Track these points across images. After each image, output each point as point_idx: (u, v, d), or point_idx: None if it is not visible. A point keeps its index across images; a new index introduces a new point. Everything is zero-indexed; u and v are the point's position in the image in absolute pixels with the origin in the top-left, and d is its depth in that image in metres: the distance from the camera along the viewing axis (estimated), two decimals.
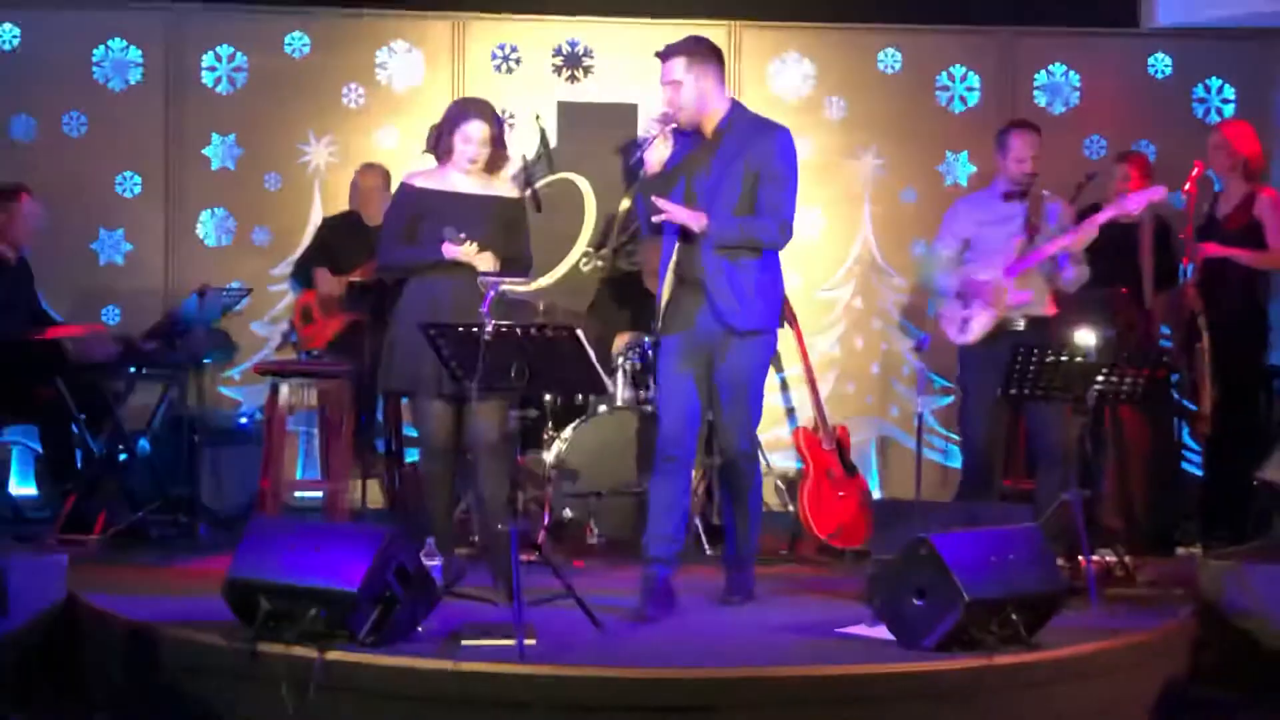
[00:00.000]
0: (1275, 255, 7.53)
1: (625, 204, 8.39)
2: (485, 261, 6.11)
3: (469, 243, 6.05)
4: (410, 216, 6.19)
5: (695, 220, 5.84)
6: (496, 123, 6.23)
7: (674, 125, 5.97)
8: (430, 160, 6.30)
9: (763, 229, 5.91)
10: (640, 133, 6.15)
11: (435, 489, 6.22)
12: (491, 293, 5.53)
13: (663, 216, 5.85)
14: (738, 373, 5.94)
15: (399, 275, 6.31)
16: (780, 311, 6.17)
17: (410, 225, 6.18)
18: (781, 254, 6.08)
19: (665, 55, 5.96)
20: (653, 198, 5.88)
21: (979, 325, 6.83)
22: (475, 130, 6.16)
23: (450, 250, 6.04)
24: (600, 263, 7.54)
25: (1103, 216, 6.68)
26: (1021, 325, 6.78)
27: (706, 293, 5.90)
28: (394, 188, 7.94)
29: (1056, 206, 6.92)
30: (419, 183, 6.23)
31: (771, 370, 8.21)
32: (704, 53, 5.97)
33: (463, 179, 6.20)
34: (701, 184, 5.93)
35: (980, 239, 6.93)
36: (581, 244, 8.61)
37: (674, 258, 6.01)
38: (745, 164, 5.90)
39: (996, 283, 6.78)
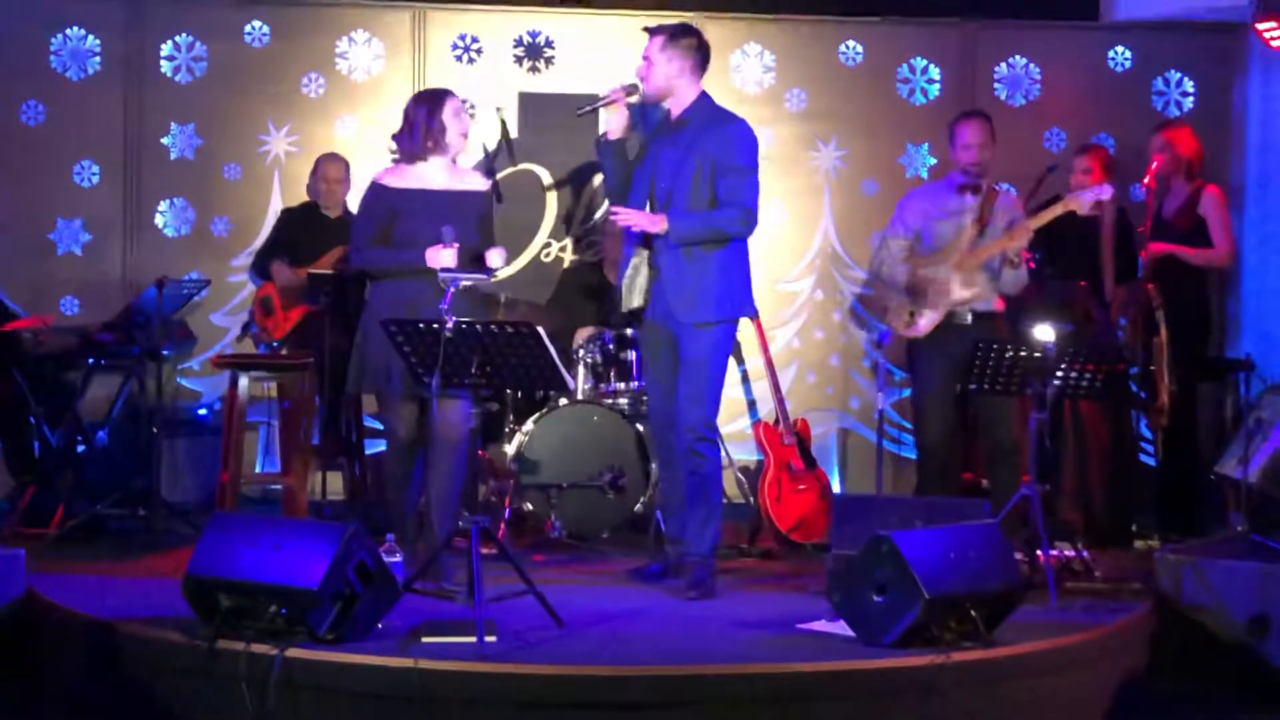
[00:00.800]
0: (1218, 253, 7.64)
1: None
2: (497, 258, 6.18)
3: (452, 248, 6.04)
4: (385, 216, 6.14)
5: (655, 224, 6.00)
6: None
7: (634, 96, 6.23)
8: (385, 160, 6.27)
9: (725, 220, 6.07)
10: (603, 93, 6.28)
11: (400, 484, 6.20)
12: (452, 289, 5.52)
13: (623, 221, 5.99)
14: (691, 363, 6.09)
15: (372, 275, 6.27)
16: (746, 299, 6.23)
17: (383, 225, 6.14)
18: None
19: (651, 32, 6.24)
20: (610, 207, 6.04)
21: (926, 320, 6.87)
22: (458, 106, 6.21)
23: (438, 258, 6.00)
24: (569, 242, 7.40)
25: (1041, 220, 6.74)
26: (969, 320, 6.83)
27: (661, 285, 6.10)
28: (354, 178, 8.03)
29: (1009, 201, 6.96)
30: (390, 181, 6.18)
31: (732, 362, 8.25)
32: (684, 40, 6.20)
33: (436, 174, 6.17)
34: (664, 169, 6.14)
35: (930, 231, 6.98)
36: (542, 235, 8.61)
37: (636, 250, 6.16)
38: (703, 155, 6.09)
39: (942, 277, 6.82)
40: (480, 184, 6.38)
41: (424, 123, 6.14)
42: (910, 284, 6.95)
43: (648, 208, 6.17)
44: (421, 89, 6.38)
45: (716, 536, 6.24)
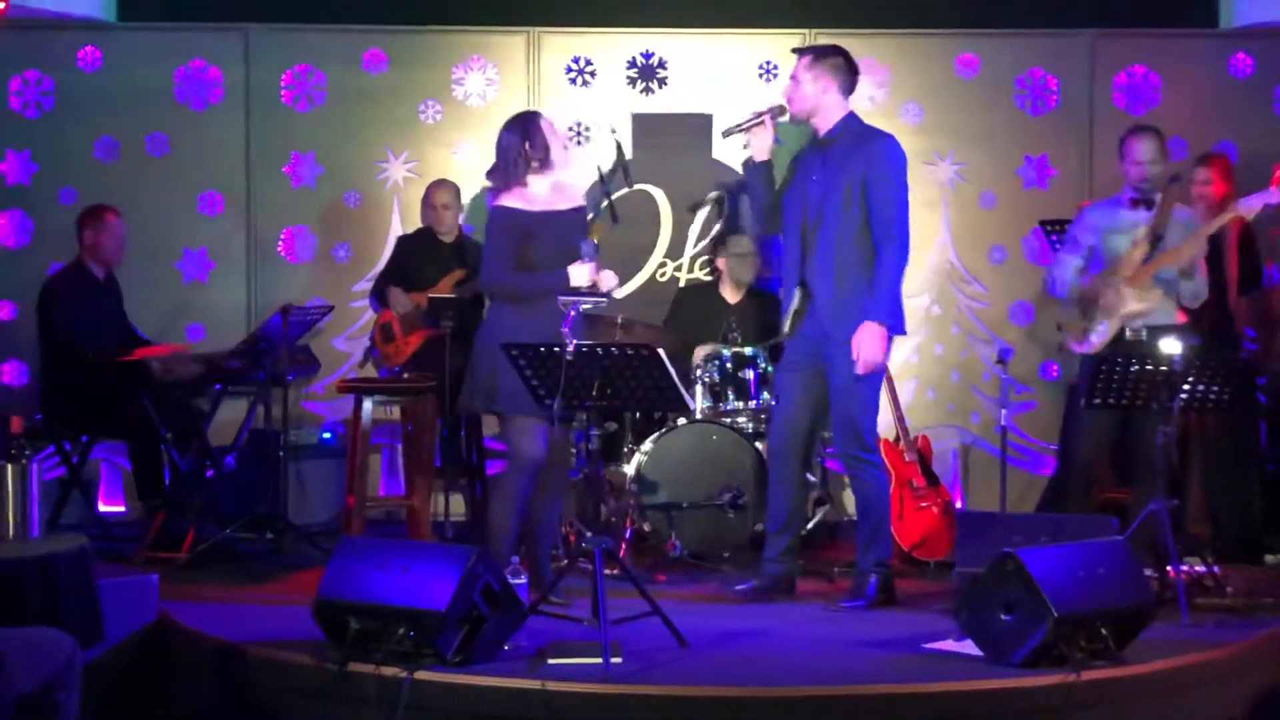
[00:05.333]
0: None
1: (703, 212, 8.45)
2: (609, 280, 6.21)
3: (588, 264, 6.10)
4: (519, 239, 6.12)
5: (877, 345, 6.11)
6: None
7: (781, 117, 6.34)
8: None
9: (894, 268, 6.19)
10: (748, 115, 6.37)
11: (522, 504, 6.21)
12: (572, 312, 5.55)
13: (867, 366, 6.13)
14: (839, 376, 6.19)
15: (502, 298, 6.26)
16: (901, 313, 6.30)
17: (517, 248, 6.12)
18: None
19: (798, 52, 6.39)
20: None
21: (1098, 336, 6.76)
22: (550, 123, 6.26)
23: (582, 275, 6.06)
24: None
25: (1210, 229, 6.62)
26: (1145, 335, 6.71)
27: (814, 300, 6.24)
28: (464, 202, 8.11)
29: (1184, 214, 6.82)
30: (516, 204, 6.16)
31: None
32: (830, 60, 6.31)
33: (548, 193, 6.20)
34: (814, 190, 6.24)
35: (1102, 247, 6.86)
36: (658, 255, 8.63)
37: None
38: (852, 174, 6.16)
39: (1115, 291, 6.71)
40: (580, 198, 6.45)
41: (521, 146, 6.15)
42: (1083, 300, 6.86)
43: (800, 230, 6.25)
44: (511, 116, 6.38)
45: (881, 552, 6.33)
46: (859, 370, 6.11)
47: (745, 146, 6.56)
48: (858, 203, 6.14)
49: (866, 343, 6.09)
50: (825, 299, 6.20)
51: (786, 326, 6.37)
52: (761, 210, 6.51)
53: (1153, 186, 6.80)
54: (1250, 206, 6.58)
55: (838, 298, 6.17)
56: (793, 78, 6.30)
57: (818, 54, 6.31)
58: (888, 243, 6.13)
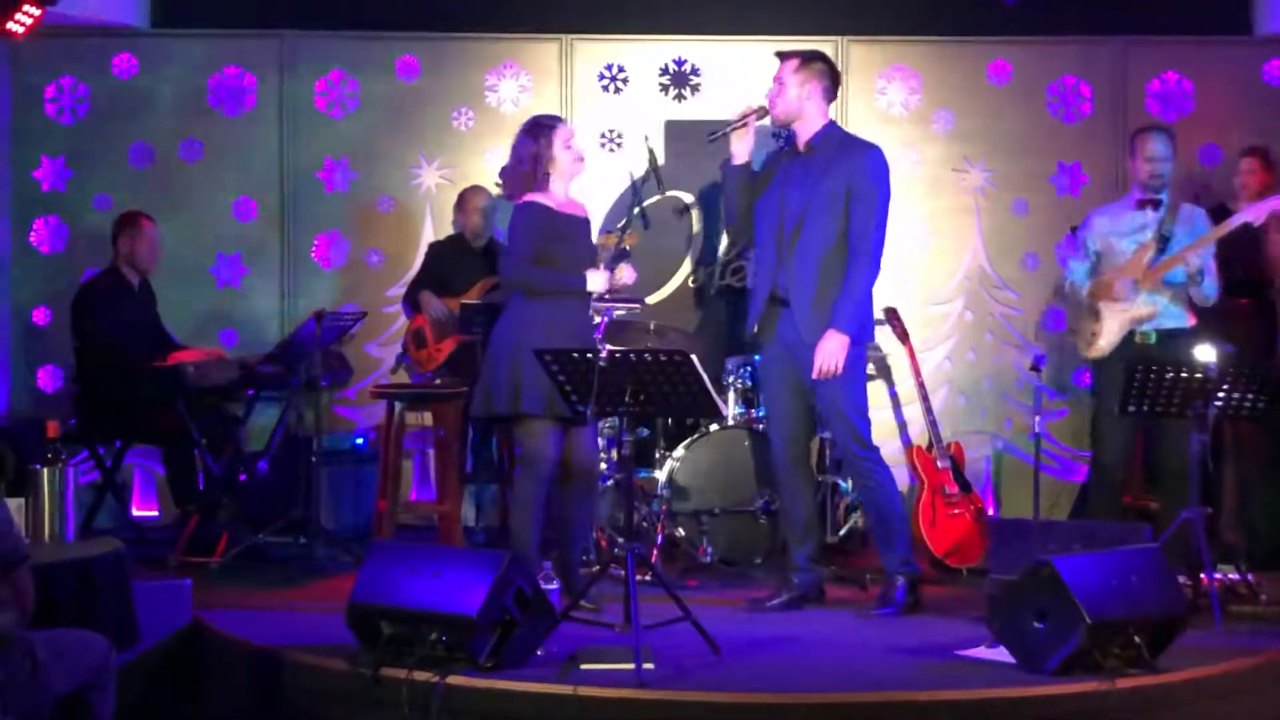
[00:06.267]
0: None
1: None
2: (628, 274, 6.25)
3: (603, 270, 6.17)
4: (547, 236, 6.16)
5: (838, 353, 6.07)
6: None
7: (761, 118, 6.28)
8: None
9: (864, 281, 6.15)
10: (732, 116, 6.33)
11: (538, 509, 6.22)
12: (605, 318, 5.55)
13: (824, 373, 6.09)
14: (821, 383, 6.15)
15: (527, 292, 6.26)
16: (870, 322, 6.31)
17: (543, 245, 6.16)
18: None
19: (782, 56, 6.31)
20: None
21: (1105, 339, 6.76)
22: (569, 133, 6.29)
23: (598, 281, 6.12)
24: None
25: (1219, 233, 6.60)
26: (1154, 339, 6.70)
27: (789, 309, 6.21)
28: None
29: (1191, 214, 6.80)
30: (547, 202, 6.23)
31: (883, 385, 8.22)
32: (816, 65, 6.26)
33: (563, 200, 6.27)
34: (793, 197, 6.19)
35: (1109, 249, 6.85)
36: (689, 262, 8.64)
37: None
38: (835, 183, 6.13)
39: (1118, 287, 6.69)
40: (584, 209, 6.48)
41: (536, 152, 6.20)
42: (1092, 304, 6.84)
43: (776, 238, 6.22)
44: (530, 119, 6.42)
45: (903, 551, 6.30)
46: (814, 375, 6.09)
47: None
48: (841, 213, 6.11)
49: (828, 350, 6.06)
50: (803, 308, 6.16)
51: (754, 330, 6.35)
52: (735, 216, 6.46)
53: (1162, 185, 6.78)
54: (1258, 213, 6.54)
55: (816, 308, 6.13)
56: (778, 80, 6.25)
57: (804, 58, 6.27)
58: (861, 255, 6.11)
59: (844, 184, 6.11)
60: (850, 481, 7.43)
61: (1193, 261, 6.60)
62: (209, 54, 8.68)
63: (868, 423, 6.27)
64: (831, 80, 6.28)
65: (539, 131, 6.26)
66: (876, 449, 6.31)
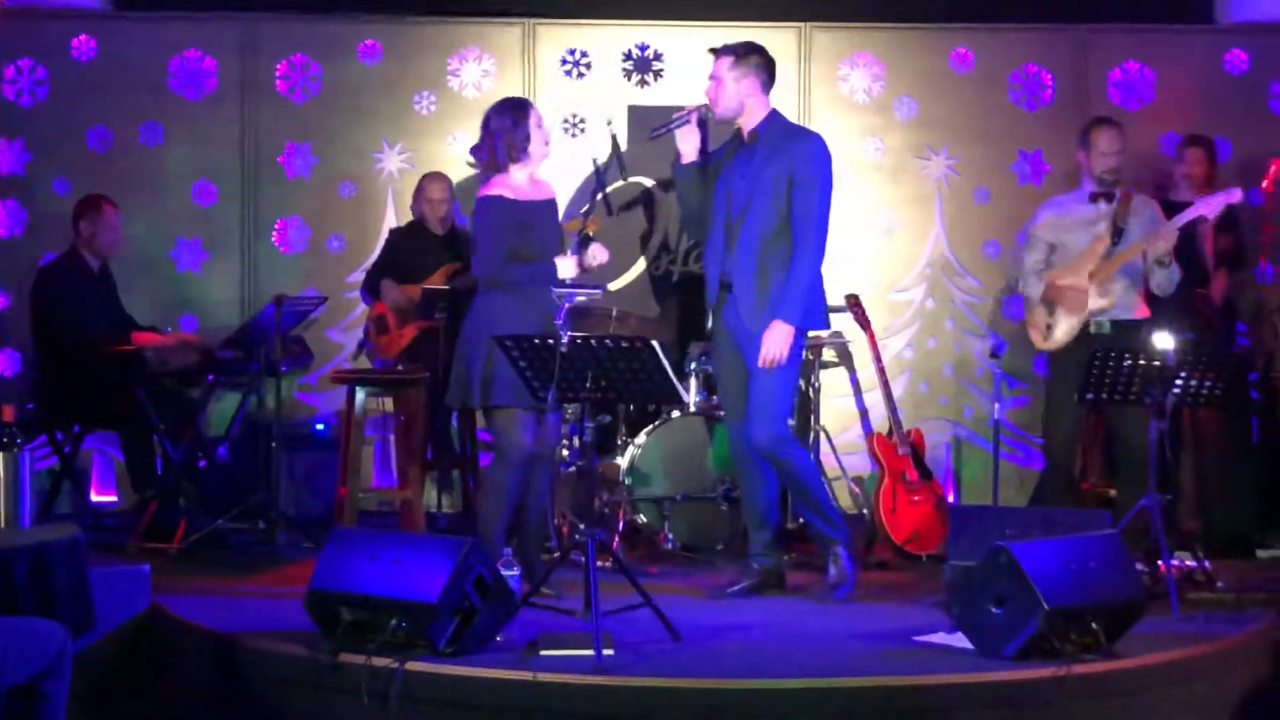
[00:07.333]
0: None
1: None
2: (600, 255, 6.26)
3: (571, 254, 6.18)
4: (514, 229, 6.14)
5: (783, 342, 6.07)
6: None
7: (704, 116, 6.27)
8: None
9: (808, 270, 6.15)
10: (675, 114, 6.30)
11: (511, 497, 6.22)
12: (566, 304, 5.55)
13: (768, 362, 6.09)
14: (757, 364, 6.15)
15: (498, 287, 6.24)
16: (821, 310, 6.32)
17: (513, 238, 6.13)
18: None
19: (716, 52, 6.28)
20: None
21: (1063, 331, 6.80)
22: (539, 117, 6.28)
23: (568, 267, 6.12)
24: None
25: (1178, 222, 6.63)
26: (1108, 329, 6.74)
27: (733, 293, 6.22)
28: (457, 189, 8.12)
29: (1143, 204, 6.84)
30: (507, 194, 6.20)
31: (844, 372, 8.23)
32: (751, 58, 6.25)
33: (525, 187, 6.23)
34: (738, 187, 6.21)
35: (1063, 243, 6.89)
36: (653, 249, 8.63)
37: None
38: (777, 172, 6.15)
39: (1078, 287, 6.73)
40: (551, 190, 6.45)
41: (509, 131, 6.18)
42: (1046, 296, 6.87)
43: (725, 225, 6.23)
44: (502, 99, 6.41)
45: (834, 519, 6.35)
46: (759, 364, 6.10)
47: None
48: (784, 199, 6.13)
49: (773, 339, 6.07)
50: (746, 293, 6.17)
51: (710, 323, 6.37)
52: (690, 213, 6.46)
53: (1116, 178, 6.83)
54: (1212, 206, 6.57)
55: (758, 293, 6.15)
56: (714, 78, 6.23)
57: (739, 53, 6.23)
58: (804, 244, 6.12)
59: (785, 171, 6.13)
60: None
61: (1161, 247, 6.61)
62: (169, 36, 8.63)
63: (792, 406, 6.39)
64: (769, 71, 6.26)
65: (514, 108, 6.25)
66: (791, 428, 6.41)
